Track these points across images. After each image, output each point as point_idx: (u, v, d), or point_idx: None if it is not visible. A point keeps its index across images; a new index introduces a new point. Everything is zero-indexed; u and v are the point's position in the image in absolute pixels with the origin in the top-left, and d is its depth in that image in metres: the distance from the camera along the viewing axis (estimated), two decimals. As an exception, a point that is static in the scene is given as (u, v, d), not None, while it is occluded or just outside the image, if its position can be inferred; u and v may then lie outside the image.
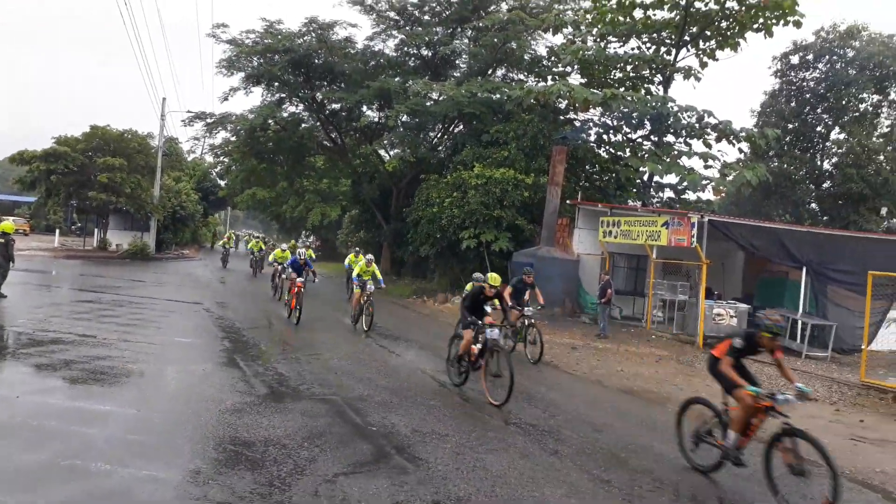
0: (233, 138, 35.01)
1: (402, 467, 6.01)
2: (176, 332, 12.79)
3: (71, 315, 13.18)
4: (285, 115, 33.88)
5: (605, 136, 28.25)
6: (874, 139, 32.64)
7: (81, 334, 11.12)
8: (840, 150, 33.18)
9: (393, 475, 5.78)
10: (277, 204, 50.06)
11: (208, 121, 33.84)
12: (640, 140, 27.78)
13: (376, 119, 33.39)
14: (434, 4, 30.97)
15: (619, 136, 28.19)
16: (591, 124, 28.33)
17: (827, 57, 33.46)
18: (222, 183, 49.91)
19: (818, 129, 34.71)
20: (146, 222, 37.44)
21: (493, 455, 6.56)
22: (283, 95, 33.65)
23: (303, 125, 34.41)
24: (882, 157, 31.22)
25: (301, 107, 34.58)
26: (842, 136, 33.42)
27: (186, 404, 7.54)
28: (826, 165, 34.88)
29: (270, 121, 32.80)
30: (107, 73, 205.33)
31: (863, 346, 13.13)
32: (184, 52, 63.73)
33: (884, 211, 32.16)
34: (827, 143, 34.76)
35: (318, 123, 35.14)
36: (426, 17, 31.50)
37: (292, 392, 8.61)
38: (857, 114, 33.46)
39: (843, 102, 32.87)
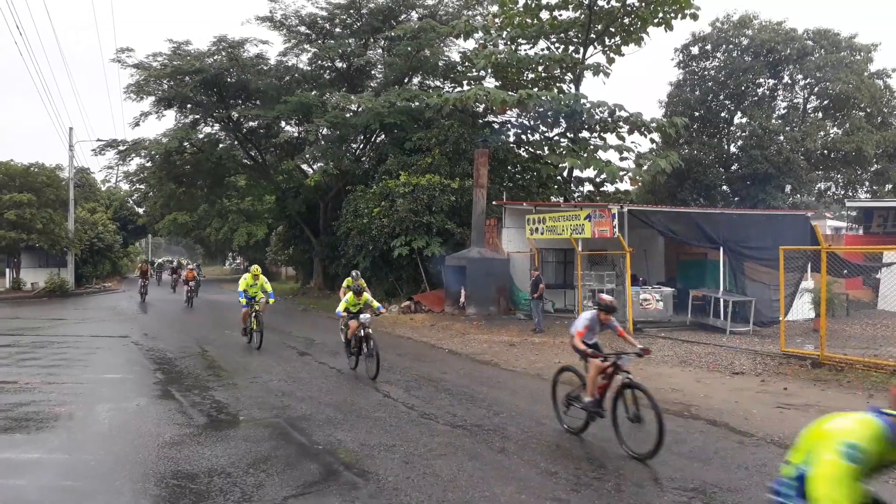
0: (148, 164, 34.00)
1: (352, 483, 6.00)
2: (105, 368, 12.31)
3: (-13, 363, 12.51)
4: (201, 136, 33.17)
5: (523, 137, 28.94)
6: (773, 121, 34.41)
7: (0, 381, 10.58)
8: (744, 134, 34.84)
9: (344, 492, 5.77)
10: (200, 227, 48.76)
11: (120, 148, 32.71)
12: (557, 137, 28.54)
13: (296, 134, 33.05)
14: (344, 17, 30.88)
15: (537, 135, 28.94)
16: (509, 126, 28.96)
17: (724, 46, 35.13)
18: (141, 210, 48.38)
19: (722, 114, 36.36)
20: (62, 257, 35.82)
21: (441, 460, 6.64)
22: (198, 116, 32.90)
23: (220, 145, 33.73)
24: (782, 138, 32.94)
25: (217, 127, 33.91)
26: (744, 120, 35.10)
27: (122, 443, 7.29)
28: (732, 149, 36.54)
29: (186, 143, 32.01)
30: (3, 107, 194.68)
31: (780, 318, 13.88)
32: (88, 79, 61.23)
33: (788, 188, 33.95)
34: (731, 128, 36.48)
35: (237, 142, 34.52)
36: (338, 30, 31.39)
37: (233, 418, 8.45)
38: (755, 98, 35.23)
39: (743, 88, 34.57)
